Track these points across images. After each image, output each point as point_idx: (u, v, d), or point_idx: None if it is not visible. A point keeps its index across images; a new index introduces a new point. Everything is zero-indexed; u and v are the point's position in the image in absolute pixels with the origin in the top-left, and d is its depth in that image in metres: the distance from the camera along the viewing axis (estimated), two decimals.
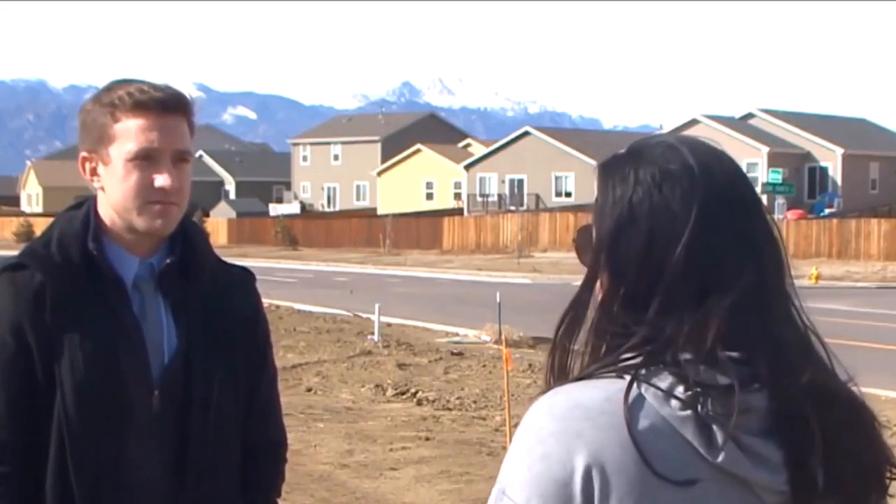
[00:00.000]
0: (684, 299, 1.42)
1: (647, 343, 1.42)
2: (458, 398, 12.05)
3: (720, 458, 1.37)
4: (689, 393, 1.38)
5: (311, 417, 10.89)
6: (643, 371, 1.40)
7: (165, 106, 2.32)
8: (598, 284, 1.49)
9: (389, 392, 12.46)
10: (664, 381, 1.39)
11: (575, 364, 1.49)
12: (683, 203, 1.44)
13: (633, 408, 1.38)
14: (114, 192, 2.35)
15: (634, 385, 1.39)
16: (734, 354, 1.40)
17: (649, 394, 1.39)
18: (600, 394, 1.40)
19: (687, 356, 1.40)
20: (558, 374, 1.51)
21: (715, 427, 1.37)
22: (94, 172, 2.38)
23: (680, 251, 1.42)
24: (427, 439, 9.91)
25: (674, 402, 1.38)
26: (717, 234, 1.44)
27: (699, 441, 1.37)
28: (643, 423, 1.38)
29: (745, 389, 1.38)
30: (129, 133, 2.31)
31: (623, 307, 1.45)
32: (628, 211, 1.46)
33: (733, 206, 1.47)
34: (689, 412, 1.37)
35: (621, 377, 1.42)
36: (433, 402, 11.88)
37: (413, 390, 12.49)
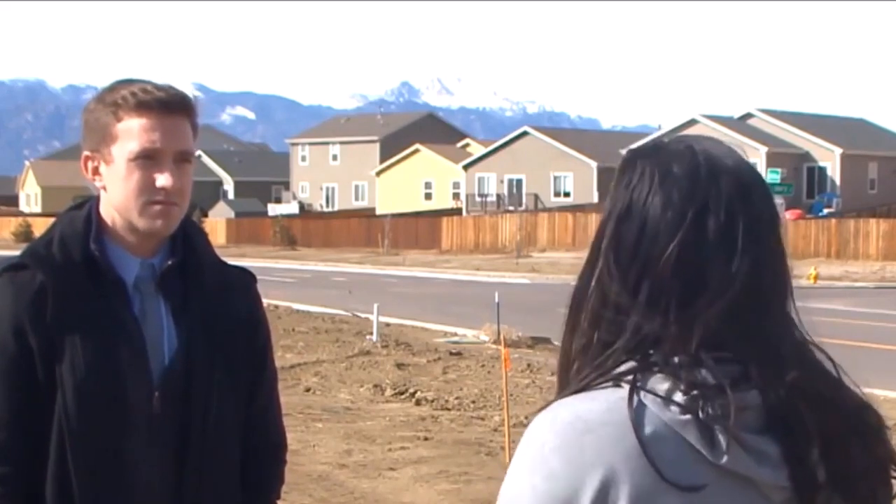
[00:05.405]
0: (671, 296, 1.43)
1: (641, 343, 1.43)
2: (456, 398, 12.05)
3: (724, 460, 1.38)
4: (687, 396, 1.38)
5: (310, 417, 10.89)
6: (639, 377, 1.41)
7: (168, 106, 2.33)
8: (597, 271, 1.51)
9: (388, 392, 12.46)
10: (661, 385, 1.39)
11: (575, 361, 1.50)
12: (680, 204, 1.46)
13: (636, 415, 1.38)
14: (115, 192, 2.35)
15: (634, 392, 1.39)
16: (723, 354, 1.41)
17: (648, 400, 1.39)
18: (600, 405, 1.41)
19: (679, 359, 1.41)
20: (563, 371, 1.52)
21: (717, 429, 1.38)
22: (96, 172, 2.39)
23: (671, 250, 1.44)
24: (426, 439, 9.92)
25: (674, 407, 1.38)
26: (709, 241, 1.44)
27: (702, 444, 1.37)
28: (647, 429, 1.38)
29: (738, 388, 1.39)
30: (132, 133, 2.31)
31: (617, 293, 1.47)
32: (629, 203, 1.49)
33: (737, 216, 1.46)
34: (689, 416, 1.38)
35: (619, 386, 1.42)
36: (432, 402, 11.88)
37: (412, 390, 12.49)
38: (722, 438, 1.37)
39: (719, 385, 1.38)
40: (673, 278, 1.44)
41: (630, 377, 1.41)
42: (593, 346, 1.48)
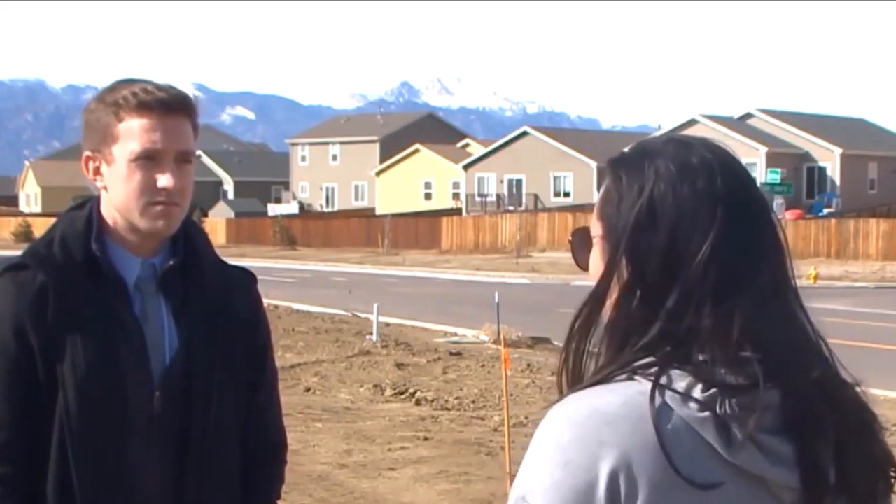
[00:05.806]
0: (703, 295, 1.41)
1: (663, 340, 1.42)
2: (456, 398, 12.05)
3: (740, 458, 1.38)
4: (707, 394, 1.38)
5: (310, 417, 10.89)
6: (658, 372, 1.40)
7: (169, 106, 2.33)
8: (613, 280, 1.47)
9: (388, 392, 12.46)
10: (681, 382, 1.39)
11: (590, 365, 1.48)
12: (709, 198, 1.44)
13: (656, 410, 1.37)
14: (117, 192, 2.36)
15: (656, 389, 1.39)
16: (747, 354, 1.40)
17: (667, 395, 1.38)
18: (617, 398, 1.40)
19: (701, 357, 1.40)
20: (573, 377, 1.50)
21: (734, 427, 1.37)
22: (97, 172, 2.39)
23: (706, 247, 1.42)
24: (425, 439, 9.92)
25: (692, 404, 1.38)
26: (738, 232, 1.44)
27: (719, 442, 1.37)
28: (665, 425, 1.37)
29: (758, 387, 1.38)
30: (133, 133, 2.32)
31: (641, 303, 1.44)
32: (649, 205, 1.45)
33: (749, 204, 1.47)
34: (707, 413, 1.37)
35: (633, 379, 1.41)
36: (432, 402, 11.88)
37: (411, 390, 12.49)
38: (738, 437, 1.37)
39: (746, 384, 1.38)
40: (705, 276, 1.41)
41: (650, 371, 1.40)
42: (616, 349, 1.46)
